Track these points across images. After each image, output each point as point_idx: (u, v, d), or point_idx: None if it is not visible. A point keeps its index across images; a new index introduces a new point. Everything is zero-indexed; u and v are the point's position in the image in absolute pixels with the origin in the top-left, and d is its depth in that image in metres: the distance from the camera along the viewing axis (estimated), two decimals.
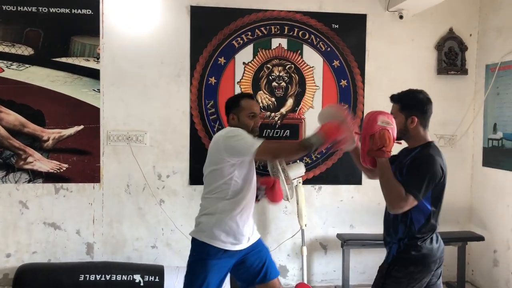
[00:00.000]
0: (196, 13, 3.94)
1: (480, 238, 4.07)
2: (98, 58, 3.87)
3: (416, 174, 2.23)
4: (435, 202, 2.30)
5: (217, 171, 2.58)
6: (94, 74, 3.87)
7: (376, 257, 4.25)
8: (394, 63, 4.22)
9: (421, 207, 2.25)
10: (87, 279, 3.59)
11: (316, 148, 2.39)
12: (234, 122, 2.72)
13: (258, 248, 2.77)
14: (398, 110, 2.38)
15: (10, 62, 3.77)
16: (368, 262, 4.26)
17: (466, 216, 4.37)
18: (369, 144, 2.29)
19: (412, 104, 2.37)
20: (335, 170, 4.18)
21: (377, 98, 4.19)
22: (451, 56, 4.25)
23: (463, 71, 4.26)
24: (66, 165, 3.87)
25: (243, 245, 2.65)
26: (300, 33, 4.09)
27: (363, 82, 4.18)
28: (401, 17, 4.11)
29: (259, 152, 2.45)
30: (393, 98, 2.45)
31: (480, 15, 4.28)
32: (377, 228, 4.19)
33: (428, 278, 2.31)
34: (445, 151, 4.31)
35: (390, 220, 2.38)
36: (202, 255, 2.59)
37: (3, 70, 3.77)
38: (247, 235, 2.66)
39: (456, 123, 4.31)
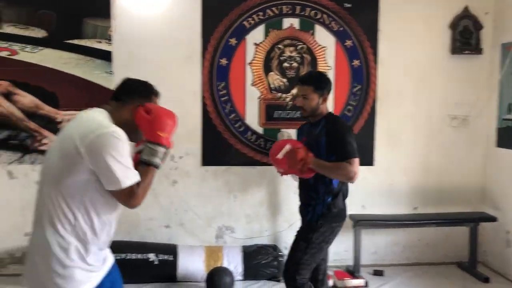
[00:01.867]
0: None
1: (493, 219, 4.05)
2: (110, 40, 3.89)
3: (342, 140, 2.64)
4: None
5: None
6: (106, 56, 3.89)
7: (387, 237, 4.29)
8: (407, 43, 4.16)
9: None
10: None
11: None
12: (125, 115, 1.88)
13: None
14: (312, 91, 2.71)
15: (24, 45, 3.81)
16: (380, 242, 4.28)
17: (478, 197, 4.35)
18: (293, 164, 2.70)
19: (324, 85, 2.76)
20: None
21: (390, 78, 4.17)
22: (465, 35, 4.18)
23: (477, 50, 4.19)
24: None
25: None
26: (312, 12, 4.05)
27: (375, 62, 4.14)
28: None
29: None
30: (306, 80, 2.78)
31: None
32: (388, 208, 4.22)
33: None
34: (458, 132, 4.34)
35: (310, 185, 2.75)
36: None
37: (18, 53, 3.81)
38: None
39: (470, 104, 4.26)
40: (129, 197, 1.76)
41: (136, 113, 1.86)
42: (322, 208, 2.72)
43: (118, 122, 1.83)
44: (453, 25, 4.17)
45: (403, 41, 4.16)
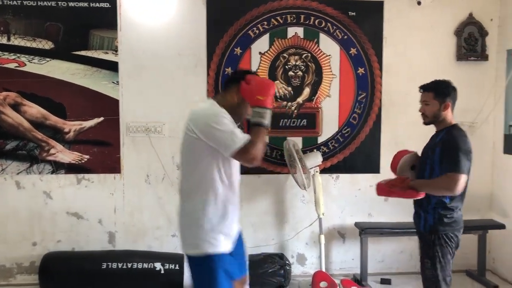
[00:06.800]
0: (212, 3, 3.95)
1: (501, 226, 4.02)
2: (116, 51, 3.93)
3: (452, 155, 2.57)
4: None
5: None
6: (113, 67, 3.93)
7: (394, 246, 4.27)
8: (412, 50, 4.17)
9: None
10: (109, 267, 3.68)
11: None
12: (232, 99, 2.24)
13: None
14: (432, 97, 2.71)
15: (31, 56, 3.86)
16: (386, 251, 4.26)
17: (486, 204, 4.32)
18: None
19: (445, 92, 2.72)
20: (352, 159, 4.17)
21: (395, 85, 4.17)
22: (471, 42, 4.17)
23: (483, 56, 4.19)
24: (87, 156, 3.95)
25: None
26: (317, 21, 4.07)
27: (380, 69, 4.14)
28: (419, 3, 4.06)
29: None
30: (427, 87, 2.78)
31: None
32: (395, 216, 4.20)
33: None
34: None
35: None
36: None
37: (25, 64, 3.86)
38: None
39: (476, 110, 4.24)
40: (244, 155, 2.09)
41: (240, 88, 2.19)
42: (433, 218, 2.68)
43: (226, 106, 2.21)
44: (458, 32, 4.17)
45: (408, 48, 4.17)
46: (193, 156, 2.19)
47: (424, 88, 2.78)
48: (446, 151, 2.60)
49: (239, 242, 2.41)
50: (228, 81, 2.33)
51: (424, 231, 2.72)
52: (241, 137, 2.10)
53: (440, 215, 2.66)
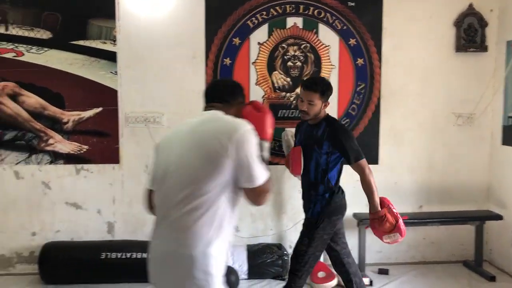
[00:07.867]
0: None
1: (499, 217, 4.03)
2: (114, 41, 3.91)
3: (350, 145, 2.83)
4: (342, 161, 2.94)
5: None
6: (111, 57, 3.92)
7: None
8: (411, 40, 4.15)
9: (337, 166, 2.94)
10: (108, 257, 3.70)
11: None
12: (232, 114, 1.94)
13: None
14: (318, 97, 2.84)
15: (29, 46, 3.84)
16: None
17: (484, 195, 4.33)
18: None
19: (329, 91, 2.91)
20: None
21: (394, 76, 4.16)
22: (470, 33, 4.16)
23: (482, 47, 4.17)
24: (86, 147, 3.95)
25: None
26: (316, 11, 4.05)
27: (379, 60, 4.13)
28: None
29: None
30: (312, 86, 2.86)
31: None
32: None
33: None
34: (463, 130, 4.32)
35: (311, 184, 2.95)
36: None
37: (23, 54, 3.84)
38: None
39: (475, 101, 4.24)
40: (263, 194, 1.78)
41: (244, 110, 1.97)
42: (321, 205, 2.91)
43: None
44: (458, 23, 4.15)
45: (407, 39, 4.15)
46: (211, 177, 1.74)
47: (309, 87, 2.86)
48: (340, 144, 2.83)
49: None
50: (229, 94, 1.99)
51: (311, 217, 2.93)
52: (266, 171, 1.78)
53: (328, 201, 2.89)
